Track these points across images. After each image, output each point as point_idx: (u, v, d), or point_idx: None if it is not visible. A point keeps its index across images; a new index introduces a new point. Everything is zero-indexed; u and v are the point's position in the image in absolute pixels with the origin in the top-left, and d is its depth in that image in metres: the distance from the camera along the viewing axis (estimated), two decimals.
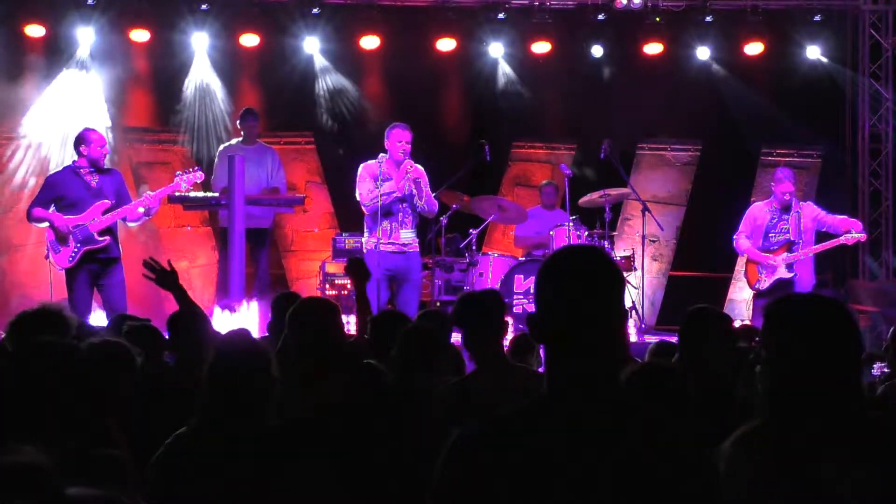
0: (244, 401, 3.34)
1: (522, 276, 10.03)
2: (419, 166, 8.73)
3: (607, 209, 10.40)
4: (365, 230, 8.84)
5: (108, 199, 8.44)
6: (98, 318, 9.01)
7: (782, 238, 9.33)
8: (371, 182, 8.54)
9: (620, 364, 2.10)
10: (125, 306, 8.23)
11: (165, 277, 5.29)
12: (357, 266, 5.63)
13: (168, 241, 11.86)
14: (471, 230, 10.43)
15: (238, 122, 10.71)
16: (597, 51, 11.91)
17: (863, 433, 2.51)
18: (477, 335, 4.29)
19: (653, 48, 11.87)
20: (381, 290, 8.54)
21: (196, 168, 8.97)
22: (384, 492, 2.99)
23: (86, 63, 11.41)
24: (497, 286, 10.06)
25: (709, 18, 11.78)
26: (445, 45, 11.78)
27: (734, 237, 9.57)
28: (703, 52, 11.97)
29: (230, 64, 11.85)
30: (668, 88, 12.01)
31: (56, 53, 11.39)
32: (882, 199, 11.94)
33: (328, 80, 12.01)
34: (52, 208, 8.44)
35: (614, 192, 10.71)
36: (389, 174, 8.54)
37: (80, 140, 8.53)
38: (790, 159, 12.11)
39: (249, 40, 11.56)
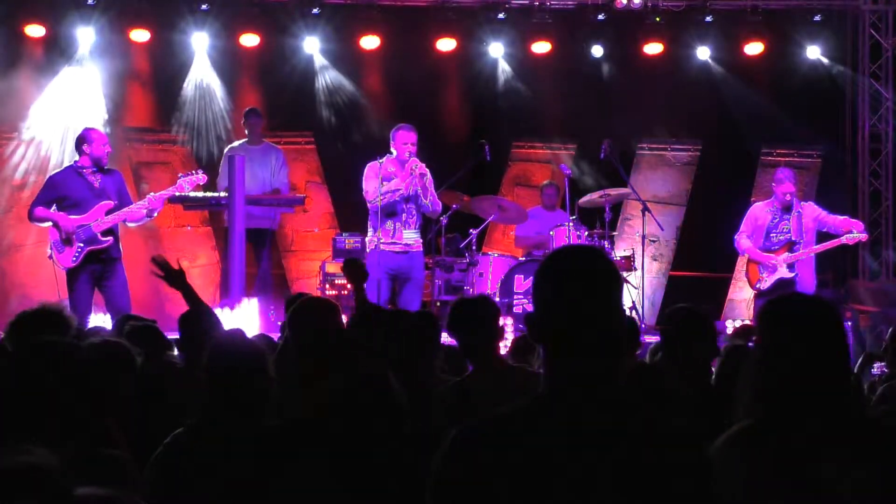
0: (242, 400, 3.34)
1: (522, 276, 10.03)
2: (424, 166, 8.75)
3: (607, 209, 10.40)
4: (368, 229, 8.85)
5: (112, 200, 8.44)
6: (99, 318, 9.04)
7: (783, 238, 9.33)
8: (377, 180, 8.56)
9: (620, 364, 2.09)
10: (129, 306, 8.22)
11: (173, 276, 5.28)
12: (353, 266, 5.64)
13: (168, 241, 11.86)
14: (471, 230, 10.43)
15: (242, 121, 10.73)
16: (597, 51, 11.91)
17: (863, 433, 2.51)
18: (472, 341, 4.31)
19: (653, 48, 11.87)
20: (381, 289, 8.55)
21: (199, 170, 8.96)
22: (384, 492, 2.99)
23: (86, 63, 11.40)
24: (497, 286, 10.07)
25: (709, 18, 11.79)
26: (445, 45, 11.78)
27: (735, 237, 9.57)
28: (703, 52, 11.97)
29: (230, 64, 11.85)
30: (668, 88, 12.01)
31: (56, 53, 11.39)
32: (882, 199, 11.94)
33: (328, 80, 12.01)
34: (54, 208, 8.44)
35: (614, 192, 10.71)
36: (395, 174, 8.56)
37: (83, 139, 8.51)
38: (790, 159, 12.11)
39: (249, 40, 11.56)
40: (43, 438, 2.40)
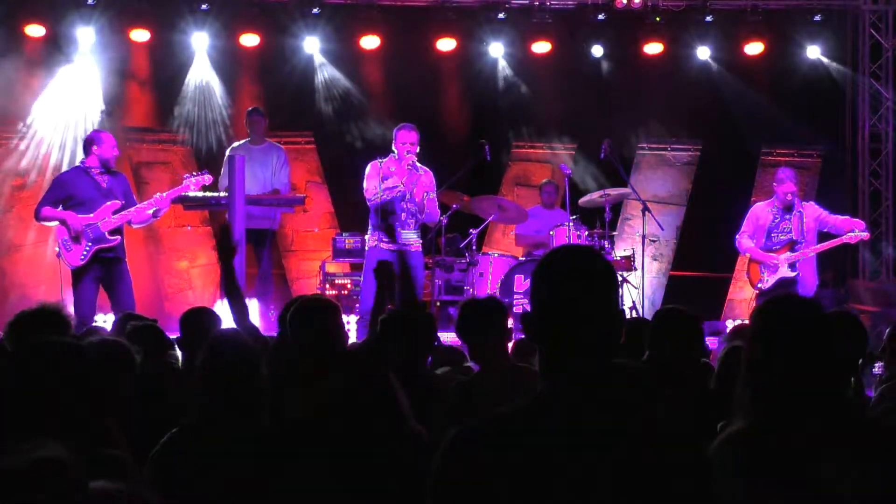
0: (238, 400, 3.34)
1: (522, 276, 10.03)
2: (429, 171, 8.75)
3: (607, 209, 10.40)
4: (369, 228, 8.86)
5: (119, 200, 8.53)
6: (101, 318, 9.06)
7: (785, 238, 9.33)
8: (377, 179, 8.57)
9: (618, 363, 2.10)
10: (134, 307, 8.28)
11: (226, 250, 5.33)
12: (383, 270, 5.70)
13: (168, 241, 11.86)
14: (471, 230, 10.43)
15: (245, 120, 10.74)
16: (597, 51, 11.91)
17: (863, 433, 2.51)
18: (481, 341, 4.34)
19: (653, 48, 11.87)
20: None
21: (204, 171, 9.00)
22: (384, 492, 2.99)
23: (86, 63, 11.40)
24: (497, 286, 10.07)
25: (709, 18, 11.79)
26: (445, 45, 11.78)
27: (736, 237, 9.57)
28: (703, 52, 11.97)
29: (230, 64, 11.85)
30: (668, 88, 12.01)
31: (56, 53, 11.39)
32: (882, 199, 11.94)
33: (328, 79, 12.00)
34: (60, 207, 8.50)
35: (614, 191, 10.71)
36: (395, 173, 8.57)
37: (93, 141, 8.63)
38: (790, 159, 12.11)
39: (249, 40, 11.56)
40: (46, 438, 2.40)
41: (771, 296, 2.79)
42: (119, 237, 8.51)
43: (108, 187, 8.55)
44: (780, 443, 2.46)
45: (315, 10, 11.56)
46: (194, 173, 9.00)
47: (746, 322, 7.73)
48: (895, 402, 4.51)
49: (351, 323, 8.84)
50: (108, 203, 8.46)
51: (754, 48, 11.86)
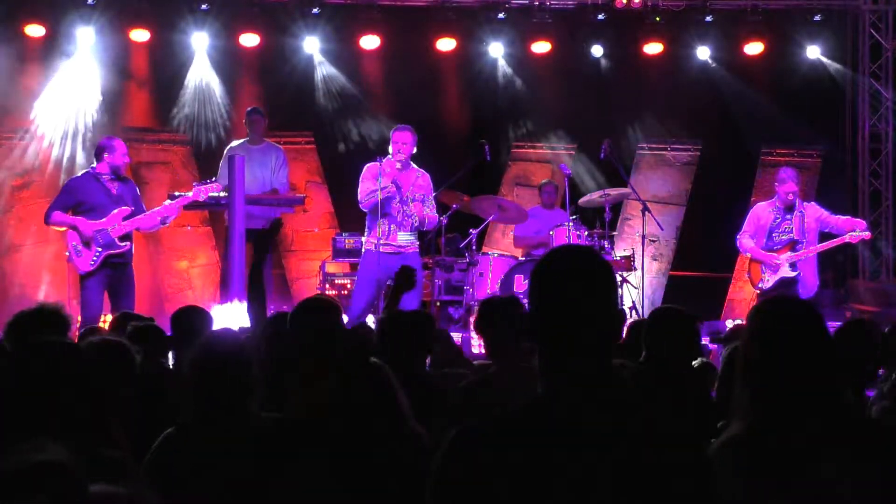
0: (225, 398, 3.33)
1: (522, 276, 10.02)
2: (426, 174, 8.73)
3: (607, 209, 10.39)
4: (365, 230, 8.85)
5: (129, 206, 8.65)
6: (102, 318, 9.06)
7: (786, 238, 9.33)
8: (371, 182, 8.55)
9: (617, 363, 2.10)
10: (134, 308, 8.32)
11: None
12: (404, 275, 5.75)
13: (168, 241, 11.86)
14: (471, 230, 10.43)
15: (244, 120, 10.73)
16: (597, 51, 11.91)
17: (863, 433, 2.52)
18: (498, 340, 4.38)
19: (653, 48, 11.87)
20: (373, 291, 8.58)
21: (214, 179, 9.04)
22: (384, 492, 2.99)
23: (86, 63, 11.40)
24: (497, 286, 10.06)
25: (709, 18, 11.79)
26: (445, 45, 11.78)
27: (738, 237, 9.56)
28: (703, 52, 11.97)
29: (230, 64, 11.84)
30: (668, 88, 12.01)
31: (56, 53, 11.38)
32: (882, 199, 11.94)
33: (328, 79, 12.00)
34: (70, 213, 8.58)
35: (614, 191, 10.71)
36: (387, 174, 8.56)
37: (104, 148, 8.71)
38: (790, 159, 12.11)
39: (249, 40, 11.56)
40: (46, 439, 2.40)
41: (768, 296, 2.80)
42: (129, 243, 8.64)
43: (119, 194, 8.67)
44: (780, 443, 2.46)
45: (315, 10, 11.56)
46: (205, 181, 9.07)
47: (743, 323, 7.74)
48: (894, 402, 4.51)
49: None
50: (119, 209, 8.57)
51: (754, 48, 11.86)
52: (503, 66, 12.13)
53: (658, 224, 10.79)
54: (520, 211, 10.76)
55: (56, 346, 2.90)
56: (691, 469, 2.02)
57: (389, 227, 8.54)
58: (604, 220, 10.35)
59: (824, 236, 9.44)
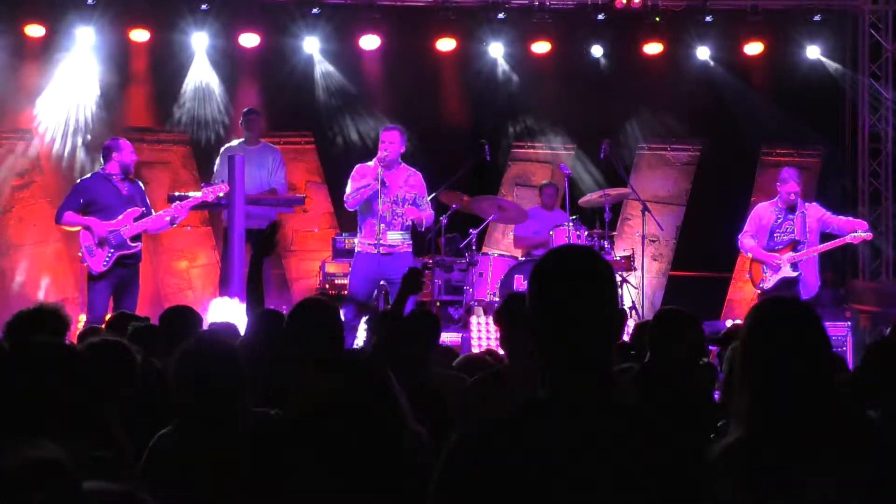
0: (214, 397, 3.33)
1: (522, 276, 10.02)
2: (418, 173, 8.71)
3: (607, 209, 10.40)
4: (357, 230, 8.85)
5: (139, 207, 8.72)
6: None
7: (787, 238, 9.33)
8: (357, 182, 8.55)
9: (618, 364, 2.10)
10: (135, 308, 8.34)
11: (265, 248, 5.34)
12: (412, 276, 5.74)
13: (168, 241, 11.85)
14: (471, 230, 10.43)
15: (240, 121, 10.72)
16: (597, 51, 11.91)
17: (862, 433, 2.52)
18: (515, 335, 4.39)
19: (653, 48, 11.87)
20: (373, 290, 8.58)
21: (221, 180, 9.04)
22: (384, 492, 2.98)
23: (86, 63, 11.39)
24: (497, 286, 10.06)
25: (709, 18, 11.78)
26: (445, 45, 11.78)
27: (739, 237, 9.57)
28: (703, 52, 11.96)
29: (230, 64, 11.84)
30: (668, 88, 12.01)
31: (56, 53, 11.38)
32: (882, 199, 11.93)
33: (328, 79, 11.99)
34: (80, 213, 8.63)
35: (614, 192, 10.71)
36: (370, 173, 8.57)
37: (112, 148, 8.77)
38: (790, 159, 12.10)
39: (249, 40, 11.55)
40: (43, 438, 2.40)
41: (765, 297, 2.81)
42: (139, 244, 8.70)
43: (129, 194, 8.74)
44: (778, 443, 2.46)
45: (315, 10, 11.55)
46: (213, 182, 9.09)
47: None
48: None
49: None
50: (130, 210, 8.64)
51: (754, 48, 11.86)
52: (503, 66, 12.12)
53: (658, 224, 10.79)
54: (520, 211, 10.76)
55: (56, 346, 2.90)
56: (691, 470, 2.02)
57: (379, 228, 8.51)
58: (604, 220, 10.35)
59: (825, 237, 9.44)
